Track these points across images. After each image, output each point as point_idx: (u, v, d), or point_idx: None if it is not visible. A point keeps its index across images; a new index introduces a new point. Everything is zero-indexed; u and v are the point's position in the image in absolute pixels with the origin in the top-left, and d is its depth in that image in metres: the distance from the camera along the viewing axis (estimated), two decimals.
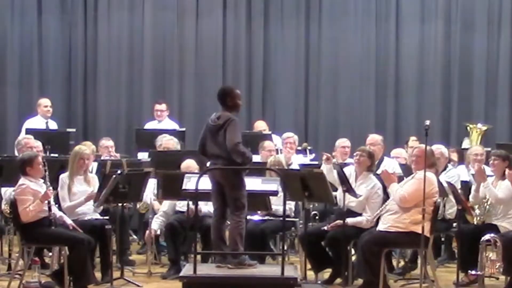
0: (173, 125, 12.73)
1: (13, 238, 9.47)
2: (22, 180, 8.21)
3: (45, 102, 12.57)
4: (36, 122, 12.39)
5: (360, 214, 8.66)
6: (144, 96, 14.38)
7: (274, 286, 7.25)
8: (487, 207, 8.66)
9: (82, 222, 8.60)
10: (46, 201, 8.16)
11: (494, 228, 8.46)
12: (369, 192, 8.65)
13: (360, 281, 8.42)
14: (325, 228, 8.64)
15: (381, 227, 8.22)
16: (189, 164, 9.48)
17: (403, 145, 12.06)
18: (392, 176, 8.32)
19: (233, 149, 7.49)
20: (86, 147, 9.30)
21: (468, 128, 12.25)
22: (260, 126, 12.42)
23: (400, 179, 8.68)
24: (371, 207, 8.63)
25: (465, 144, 12.30)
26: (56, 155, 10.62)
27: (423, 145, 8.31)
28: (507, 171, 8.52)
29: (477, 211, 8.75)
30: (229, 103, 7.76)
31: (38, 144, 10.05)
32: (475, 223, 8.70)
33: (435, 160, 8.47)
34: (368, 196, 8.64)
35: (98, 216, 8.95)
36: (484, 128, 12.24)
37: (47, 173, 8.28)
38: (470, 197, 8.89)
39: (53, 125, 12.43)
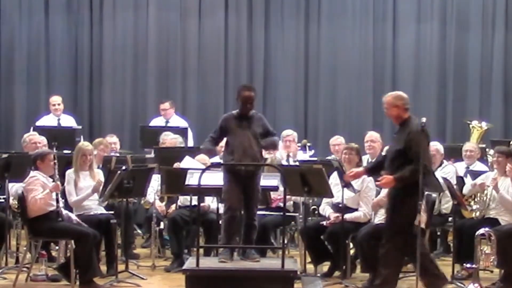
0: (181, 122, 12.71)
1: (21, 232, 9.45)
2: (33, 173, 8.23)
3: (53, 100, 12.54)
4: (47, 120, 12.36)
5: (355, 209, 8.63)
6: (148, 94, 14.37)
7: (275, 279, 7.23)
8: (487, 200, 8.61)
9: (88, 217, 8.60)
10: (55, 193, 8.15)
11: (494, 222, 8.41)
12: (361, 187, 8.61)
13: (357, 274, 8.41)
14: (324, 223, 8.61)
15: (377, 220, 8.18)
16: (203, 156, 9.46)
17: None
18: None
19: None
20: (88, 143, 9.29)
21: (470, 126, 12.18)
22: None
23: None
24: (365, 201, 8.60)
25: None
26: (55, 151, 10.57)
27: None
28: (508, 166, 8.46)
29: (475, 206, 8.69)
30: (237, 102, 7.70)
31: (42, 139, 10.02)
32: (473, 217, 8.66)
33: None
34: (360, 191, 8.60)
35: (104, 211, 8.93)
36: (486, 127, 12.18)
37: (56, 170, 8.29)
38: (465, 189, 8.85)
39: (67, 121, 12.32)
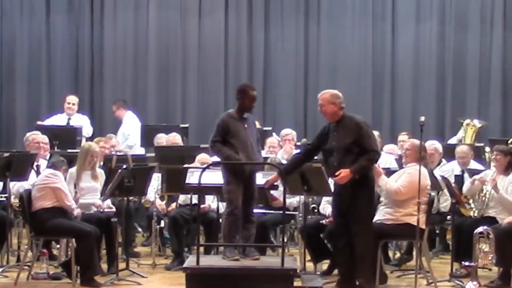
0: (133, 118, 12.79)
1: (22, 230, 9.45)
2: (56, 172, 8.29)
3: (68, 99, 12.48)
4: (57, 119, 12.31)
5: None
6: (148, 94, 14.38)
7: (275, 277, 7.21)
8: (486, 200, 8.60)
9: (89, 215, 8.60)
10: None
11: (492, 221, 8.40)
12: None
13: None
14: (323, 222, 8.61)
15: (377, 218, 8.15)
16: (204, 156, 9.44)
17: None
18: (379, 169, 8.17)
19: (209, 148, 7.73)
20: (96, 145, 9.30)
21: (464, 124, 12.17)
22: None
23: (392, 173, 8.63)
24: None
25: (459, 135, 12.26)
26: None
27: (414, 140, 8.27)
28: None
29: (473, 204, 8.69)
30: (239, 101, 7.65)
31: (44, 139, 10.00)
32: (472, 216, 8.66)
33: (425, 154, 8.45)
34: None
35: (109, 203, 8.94)
36: (479, 125, 12.16)
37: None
38: (464, 188, 8.85)
39: (78, 121, 12.23)
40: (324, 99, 7.69)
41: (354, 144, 7.42)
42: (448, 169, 9.65)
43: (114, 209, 8.95)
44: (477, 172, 9.18)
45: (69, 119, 12.30)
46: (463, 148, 9.92)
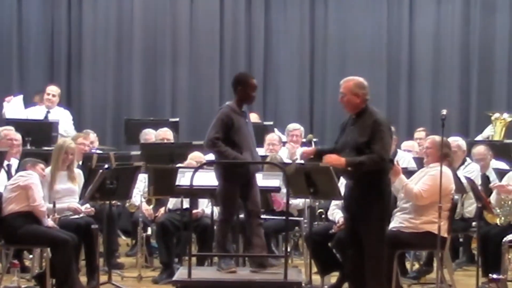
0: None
1: None
2: (31, 171, 8.31)
3: (48, 89, 12.32)
4: (34, 111, 12.24)
5: None
6: (133, 84, 14.39)
7: None
8: None
9: (66, 221, 8.58)
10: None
11: None
12: None
13: None
14: (332, 230, 8.61)
15: (393, 225, 8.13)
16: (198, 154, 9.42)
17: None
18: (397, 167, 8.06)
19: (207, 146, 7.57)
20: (71, 141, 9.27)
21: (493, 119, 12.18)
22: (252, 118, 12.08)
23: (411, 173, 8.62)
24: None
25: (486, 132, 12.27)
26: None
27: (435, 136, 8.25)
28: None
29: (499, 211, 8.69)
30: (240, 92, 7.58)
31: (18, 137, 9.99)
32: (498, 223, 8.66)
33: (449, 152, 8.37)
34: None
35: (88, 206, 8.93)
36: (510, 119, 12.17)
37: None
38: (492, 199, 8.84)
39: (57, 115, 12.14)
40: (347, 88, 7.50)
41: (367, 145, 7.33)
42: (473, 169, 9.64)
43: (93, 210, 8.91)
44: (505, 171, 9.19)
45: (47, 112, 12.23)
46: (480, 149, 9.83)
